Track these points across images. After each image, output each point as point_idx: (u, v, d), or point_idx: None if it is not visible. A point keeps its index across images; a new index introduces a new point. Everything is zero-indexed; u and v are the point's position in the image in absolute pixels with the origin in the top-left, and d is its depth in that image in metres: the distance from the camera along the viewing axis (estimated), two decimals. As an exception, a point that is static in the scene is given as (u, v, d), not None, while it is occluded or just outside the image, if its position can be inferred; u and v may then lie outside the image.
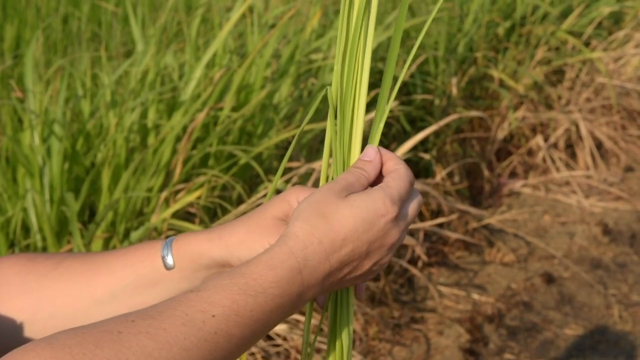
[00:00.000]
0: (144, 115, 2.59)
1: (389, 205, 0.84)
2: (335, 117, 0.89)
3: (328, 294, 0.89)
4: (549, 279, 3.18)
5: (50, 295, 0.92)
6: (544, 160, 4.15)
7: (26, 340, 0.92)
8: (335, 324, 0.92)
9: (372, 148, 0.90)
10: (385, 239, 0.84)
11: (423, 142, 3.66)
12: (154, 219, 2.33)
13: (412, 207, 0.88)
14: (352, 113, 0.90)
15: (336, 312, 0.92)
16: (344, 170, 0.90)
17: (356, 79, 0.89)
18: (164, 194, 2.38)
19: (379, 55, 3.58)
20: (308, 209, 0.83)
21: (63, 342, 0.69)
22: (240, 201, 2.66)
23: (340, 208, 0.83)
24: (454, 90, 3.77)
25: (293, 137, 2.87)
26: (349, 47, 0.88)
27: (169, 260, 0.92)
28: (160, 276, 0.92)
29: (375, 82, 3.47)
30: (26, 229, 2.37)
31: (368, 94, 0.90)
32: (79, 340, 0.69)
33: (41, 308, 0.92)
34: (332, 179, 0.89)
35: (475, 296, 3.02)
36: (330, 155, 0.92)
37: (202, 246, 0.91)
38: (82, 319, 0.92)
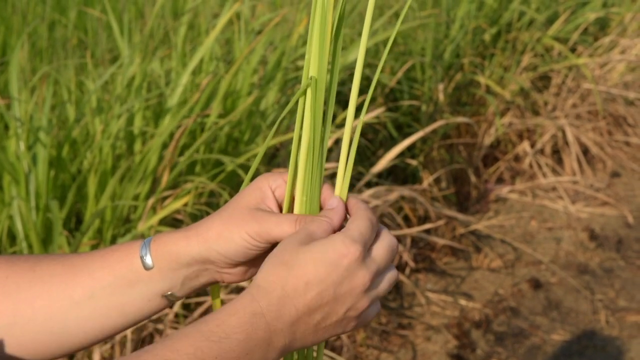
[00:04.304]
0: (130, 121, 2.58)
1: (349, 245, 0.82)
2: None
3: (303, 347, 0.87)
4: (536, 284, 3.18)
5: (29, 298, 0.91)
6: (531, 166, 4.16)
7: (3, 351, 0.91)
8: None
9: (336, 198, 0.89)
10: (353, 281, 0.82)
11: (410, 148, 3.67)
12: (141, 226, 2.33)
13: (379, 248, 0.85)
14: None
15: None
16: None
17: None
18: (151, 201, 2.37)
19: (365, 62, 3.58)
20: (270, 260, 0.83)
21: None
22: (227, 208, 2.65)
23: (299, 253, 0.82)
24: (441, 97, 3.78)
25: (281, 143, 2.87)
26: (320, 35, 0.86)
27: (148, 260, 0.91)
28: (139, 276, 0.91)
29: (362, 88, 3.47)
30: (12, 236, 2.35)
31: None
32: None
33: (20, 311, 0.91)
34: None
35: (463, 302, 3.02)
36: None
37: (179, 245, 0.90)
38: (60, 322, 0.91)
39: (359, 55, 0.88)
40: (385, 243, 0.86)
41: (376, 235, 0.86)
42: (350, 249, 0.82)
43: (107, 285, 0.92)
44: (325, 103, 0.89)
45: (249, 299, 0.80)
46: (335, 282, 0.81)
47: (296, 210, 0.90)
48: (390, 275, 0.86)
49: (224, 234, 0.88)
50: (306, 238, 0.84)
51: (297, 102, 0.88)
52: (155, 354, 0.75)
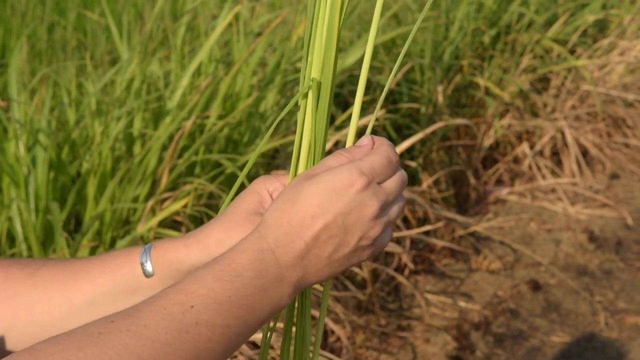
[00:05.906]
0: (129, 124, 2.58)
1: (355, 175, 0.81)
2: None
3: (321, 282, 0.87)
4: (535, 286, 3.18)
5: (28, 302, 0.91)
6: (530, 167, 4.16)
7: (3, 349, 0.91)
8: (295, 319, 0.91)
9: (367, 137, 0.87)
10: (362, 210, 0.81)
11: (409, 150, 3.67)
12: (140, 228, 2.33)
13: (392, 182, 0.84)
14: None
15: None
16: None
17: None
18: (150, 203, 2.37)
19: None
20: (278, 197, 0.83)
21: (45, 350, 0.68)
22: (226, 210, 2.65)
23: (304, 187, 0.81)
24: (440, 98, 3.78)
25: (281, 145, 2.87)
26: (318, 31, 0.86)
27: (148, 267, 0.91)
28: (139, 283, 0.92)
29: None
30: (11, 238, 2.35)
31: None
32: (61, 347, 0.69)
33: (19, 316, 0.91)
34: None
35: (462, 304, 3.02)
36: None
37: (180, 253, 0.90)
38: (60, 327, 0.91)
39: (365, 57, 0.87)
40: (398, 178, 0.85)
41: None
42: (355, 179, 0.81)
43: (108, 292, 0.92)
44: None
45: (257, 236, 0.80)
46: (342, 212, 0.81)
47: None
48: (400, 203, 0.86)
49: (224, 241, 0.88)
50: (317, 170, 0.83)
51: (297, 104, 0.88)
52: (169, 298, 0.75)
